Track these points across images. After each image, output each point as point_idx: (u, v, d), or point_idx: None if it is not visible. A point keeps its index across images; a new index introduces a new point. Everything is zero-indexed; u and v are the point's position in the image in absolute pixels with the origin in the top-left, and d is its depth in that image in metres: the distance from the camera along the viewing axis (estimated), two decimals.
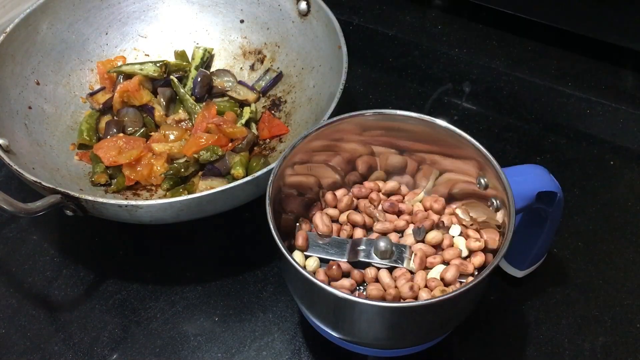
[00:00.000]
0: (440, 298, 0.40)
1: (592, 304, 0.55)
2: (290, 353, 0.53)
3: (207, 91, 0.68)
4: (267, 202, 0.44)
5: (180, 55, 0.71)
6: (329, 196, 0.51)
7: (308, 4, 0.66)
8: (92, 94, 0.68)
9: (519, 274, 0.55)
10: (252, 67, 0.71)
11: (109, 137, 0.63)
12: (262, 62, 0.71)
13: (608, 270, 0.57)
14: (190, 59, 0.71)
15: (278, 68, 0.69)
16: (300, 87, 0.67)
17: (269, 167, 0.51)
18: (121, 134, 0.64)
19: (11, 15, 0.75)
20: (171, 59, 0.71)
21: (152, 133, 0.65)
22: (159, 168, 0.61)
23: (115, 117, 0.66)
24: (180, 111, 0.66)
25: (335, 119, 0.49)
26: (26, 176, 0.52)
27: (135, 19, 0.72)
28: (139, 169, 0.61)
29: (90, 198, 0.51)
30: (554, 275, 0.57)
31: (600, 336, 0.53)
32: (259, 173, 0.51)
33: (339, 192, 0.52)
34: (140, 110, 0.66)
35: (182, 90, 0.66)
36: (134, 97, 0.65)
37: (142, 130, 0.65)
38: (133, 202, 0.50)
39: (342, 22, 0.64)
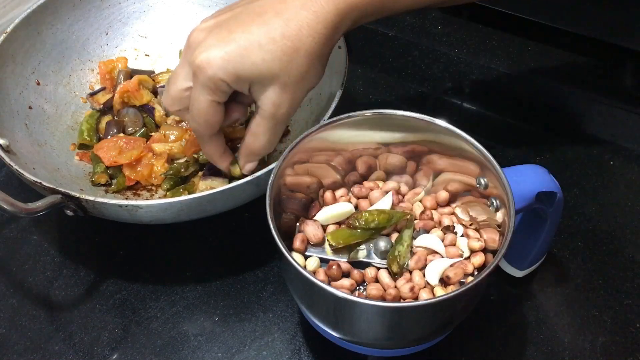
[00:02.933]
0: (440, 298, 0.40)
1: (592, 304, 0.55)
2: (290, 353, 0.53)
3: None
4: (267, 202, 0.44)
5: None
6: (328, 195, 0.51)
7: None
8: (92, 94, 0.68)
9: (519, 274, 0.55)
10: None
11: (109, 137, 0.63)
12: None
13: (608, 270, 0.57)
14: None
15: None
16: None
17: (269, 167, 0.51)
18: (121, 134, 0.64)
19: (11, 15, 0.76)
20: (172, 58, 0.71)
21: (153, 133, 0.65)
22: (159, 168, 0.61)
23: (115, 117, 0.66)
24: None
25: (335, 119, 0.49)
26: (27, 176, 0.52)
27: (135, 19, 0.72)
28: (139, 169, 0.61)
29: (90, 198, 0.51)
30: (554, 275, 0.57)
31: (600, 336, 0.53)
32: (259, 173, 0.51)
33: (339, 192, 0.52)
34: (141, 110, 0.66)
35: None
36: (134, 97, 0.65)
37: (142, 131, 0.65)
38: (133, 202, 0.50)
39: None
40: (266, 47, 0.46)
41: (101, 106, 0.67)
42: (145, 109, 0.66)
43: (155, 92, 0.67)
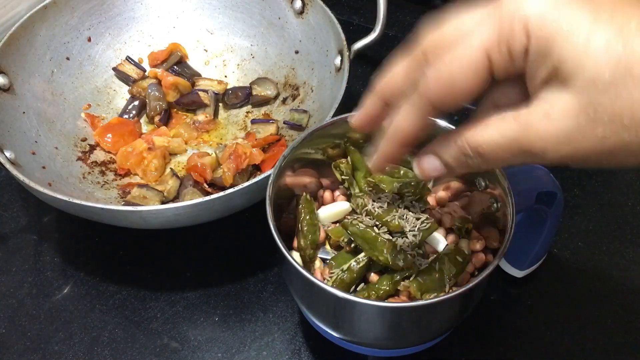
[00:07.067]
0: (440, 298, 0.40)
1: (592, 304, 0.55)
2: (290, 353, 0.53)
3: (246, 98, 0.69)
4: (267, 202, 0.44)
5: None
6: (327, 195, 0.51)
7: (341, 55, 0.62)
8: (133, 62, 0.70)
9: (519, 274, 0.55)
10: (284, 101, 0.69)
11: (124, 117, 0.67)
12: (293, 99, 0.68)
13: (608, 270, 0.57)
14: None
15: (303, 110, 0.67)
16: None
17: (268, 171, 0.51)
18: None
19: (12, 15, 0.75)
20: (222, 65, 0.73)
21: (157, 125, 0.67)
22: (154, 163, 0.61)
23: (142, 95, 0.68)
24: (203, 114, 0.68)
25: (335, 119, 0.49)
26: (38, 189, 0.52)
27: (211, 11, 0.73)
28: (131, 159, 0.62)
29: (107, 207, 0.51)
30: (554, 275, 0.57)
31: (600, 336, 0.53)
32: (259, 178, 0.51)
33: (337, 192, 0.52)
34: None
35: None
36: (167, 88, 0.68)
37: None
38: (145, 208, 0.51)
39: (342, 22, 0.63)
40: (594, 16, 0.29)
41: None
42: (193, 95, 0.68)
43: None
